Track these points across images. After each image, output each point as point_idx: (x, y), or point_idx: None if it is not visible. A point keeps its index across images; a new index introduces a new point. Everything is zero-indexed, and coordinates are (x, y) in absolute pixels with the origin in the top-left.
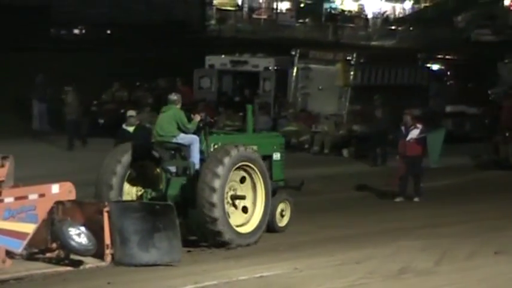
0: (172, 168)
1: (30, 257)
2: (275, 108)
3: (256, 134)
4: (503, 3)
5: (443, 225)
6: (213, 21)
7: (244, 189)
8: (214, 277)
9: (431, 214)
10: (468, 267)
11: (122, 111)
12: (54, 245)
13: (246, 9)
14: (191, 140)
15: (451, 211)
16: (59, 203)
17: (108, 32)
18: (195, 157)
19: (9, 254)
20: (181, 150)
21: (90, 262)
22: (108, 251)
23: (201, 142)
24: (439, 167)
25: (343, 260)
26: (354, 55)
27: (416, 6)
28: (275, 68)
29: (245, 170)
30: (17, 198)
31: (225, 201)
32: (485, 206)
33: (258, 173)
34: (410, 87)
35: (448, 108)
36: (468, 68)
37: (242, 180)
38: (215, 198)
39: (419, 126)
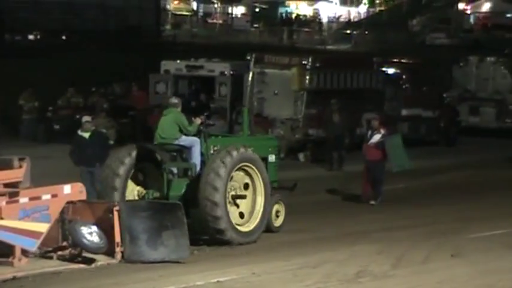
0: (174, 170)
1: (43, 255)
2: (232, 114)
3: (252, 137)
4: (457, 7)
5: (400, 228)
6: (168, 26)
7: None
8: (171, 282)
9: (389, 217)
10: (424, 270)
11: (77, 116)
12: (65, 244)
13: (201, 14)
14: (192, 142)
15: (408, 214)
16: (69, 202)
17: (63, 37)
18: (196, 158)
19: (24, 253)
20: (183, 152)
21: (101, 260)
22: (118, 249)
23: (201, 144)
24: (410, 169)
25: (300, 264)
26: (310, 59)
27: (371, 10)
28: (231, 72)
29: (245, 171)
30: (31, 199)
31: (227, 200)
32: (442, 208)
33: (258, 174)
34: (366, 91)
35: (404, 112)
36: (423, 72)
37: (245, 186)
38: (217, 197)
39: (382, 131)
